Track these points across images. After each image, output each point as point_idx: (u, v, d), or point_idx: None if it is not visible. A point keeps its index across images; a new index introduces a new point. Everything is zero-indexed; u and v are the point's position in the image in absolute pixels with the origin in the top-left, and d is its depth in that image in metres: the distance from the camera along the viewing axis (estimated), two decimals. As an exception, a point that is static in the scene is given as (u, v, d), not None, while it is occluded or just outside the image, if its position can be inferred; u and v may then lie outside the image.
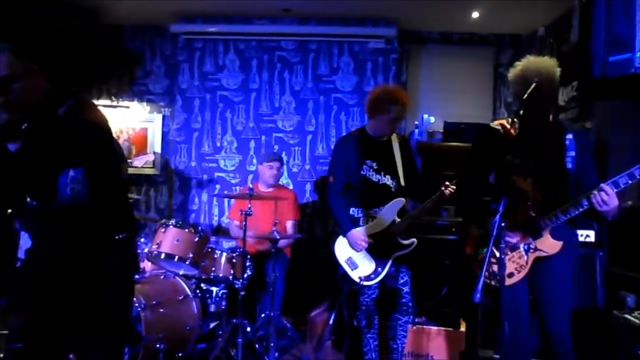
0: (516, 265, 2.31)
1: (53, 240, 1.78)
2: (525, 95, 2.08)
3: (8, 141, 1.63)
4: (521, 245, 2.30)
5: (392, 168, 3.11)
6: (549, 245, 2.26)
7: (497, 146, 2.30)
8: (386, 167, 3.09)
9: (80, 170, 1.69)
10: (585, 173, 2.25)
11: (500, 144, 2.30)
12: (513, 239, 2.28)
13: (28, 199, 1.77)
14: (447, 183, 2.93)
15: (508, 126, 2.30)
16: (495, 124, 2.43)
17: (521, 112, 2.12)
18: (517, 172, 2.29)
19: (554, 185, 2.26)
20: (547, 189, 2.27)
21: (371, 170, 3.07)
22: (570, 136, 2.26)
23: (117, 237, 1.87)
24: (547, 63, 2.27)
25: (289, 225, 4.02)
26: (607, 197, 2.05)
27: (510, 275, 2.31)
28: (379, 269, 3.01)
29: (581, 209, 2.14)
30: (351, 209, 3.10)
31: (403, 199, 3.07)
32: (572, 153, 2.24)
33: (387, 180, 3.08)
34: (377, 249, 3.02)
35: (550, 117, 2.33)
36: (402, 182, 3.11)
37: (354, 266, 3.05)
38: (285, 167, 4.78)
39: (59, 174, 1.66)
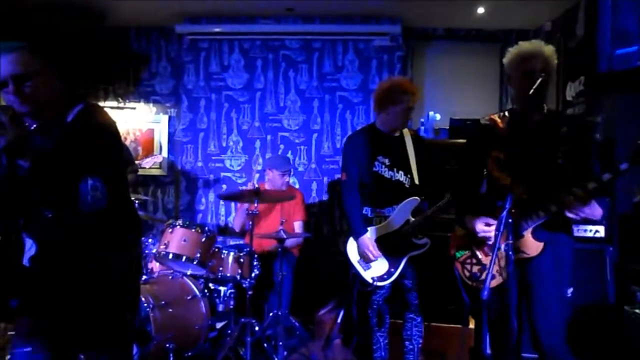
0: (497, 267, 2.17)
1: (62, 245, 1.78)
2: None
3: (18, 157, 1.63)
4: (502, 246, 2.09)
5: (405, 164, 3.02)
6: (529, 246, 2.15)
7: (485, 141, 2.23)
8: (399, 163, 3.01)
9: (98, 177, 1.71)
10: (581, 168, 2.09)
11: (489, 138, 2.22)
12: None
13: (43, 211, 1.77)
14: None
15: (498, 121, 2.23)
16: (485, 119, 2.34)
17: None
18: (501, 168, 2.17)
19: (541, 182, 2.14)
20: (532, 185, 2.14)
21: (384, 166, 2.99)
22: (564, 129, 2.14)
23: (123, 239, 1.87)
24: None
25: (297, 225, 4.00)
26: (576, 204, 1.96)
27: (492, 277, 2.10)
28: (392, 269, 2.95)
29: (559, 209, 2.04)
30: (364, 209, 3.03)
31: (417, 197, 2.98)
32: (566, 147, 2.12)
33: (400, 176, 3.01)
34: (391, 249, 2.96)
35: (542, 109, 2.22)
36: (417, 179, 3.03)
37: (366, 267, 2.99)
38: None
39: (78, 183, 1.66)
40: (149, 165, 4.66)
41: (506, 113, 2.12)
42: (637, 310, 2.73)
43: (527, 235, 2.15)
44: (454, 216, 2.52)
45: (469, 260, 2.32)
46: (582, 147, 2.16)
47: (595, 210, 2.00)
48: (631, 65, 2.70)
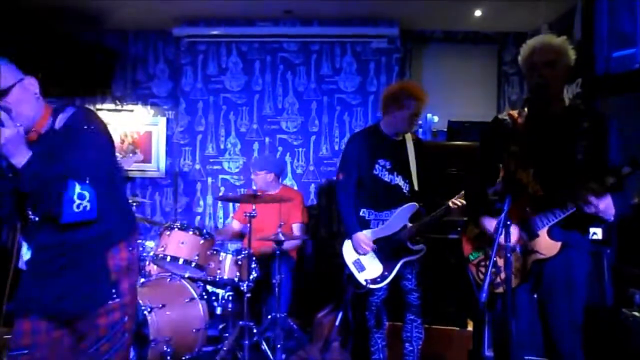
0: (513, 268, 2.06)
1: (56, 250, 1.78)
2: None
3: (12, 157, 1.61)
4: (517, 247, 2.10)
5: (405, 169, 3.02)
6: (545, 246, 2.06)
7: (503, 136, 2.16)
8: (399, 167, 3.01)
9: (86, 185, 1.67)
10: (599, 163, 2.00)
11: (507, 134, 2.15)
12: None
13: (30, 215, 1.76)
14: (456, 199, 2.88)
15: (516, 115, 2.16)
16: (504, 114, 2.29)
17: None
18: (517, 163, 2.09)
19: (558, 178, 2.06)
20: (549, 181, 2.08)
21: (384, 169, 3.00)
22: (586, 123, 2.06)
23: (118, 242, 1.86)
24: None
25: (296, 228, 3.99)
26: (592, 198, 1.89)
27: (498, 286, 2.13)
28: (386, 272, 2.97)
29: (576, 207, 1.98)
30: (361, 210, 3.04)
31: (416, 204, 2.99)
32: (585, 142, 2.05)
33: (400, 180, 3.01)
34: (386, 252, 2.98)
35: (562, 102, 2.17)
36: (416, 185, 3.02)
37: (361, 268, 3.01)
38: (289, 168, 4.79)
39: (65, 189, 1.63)
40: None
41: (525, 108, 2.05)
42: (635, 313, 2.73)
43: (543, 234, 2.07)
44: (466, 217, 2.49)
45: (483, 263, 2.26)
46: (602, 142, 2.05)
47: (609, 207, 1.93)
48: (628, 68, 2.71)
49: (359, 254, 3.01)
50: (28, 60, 1.83)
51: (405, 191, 3.02)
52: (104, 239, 1.83)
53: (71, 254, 1.78)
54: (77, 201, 1.65)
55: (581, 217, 2.02)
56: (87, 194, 1.67)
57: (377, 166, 3.00)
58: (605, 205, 1.92)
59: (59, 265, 1.78)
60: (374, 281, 2.97)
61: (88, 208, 1.68)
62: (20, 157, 1.61)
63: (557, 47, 2.11)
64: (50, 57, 4.28)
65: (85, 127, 1.75)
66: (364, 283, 2.98)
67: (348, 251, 3.06)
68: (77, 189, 1.65)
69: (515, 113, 2.19)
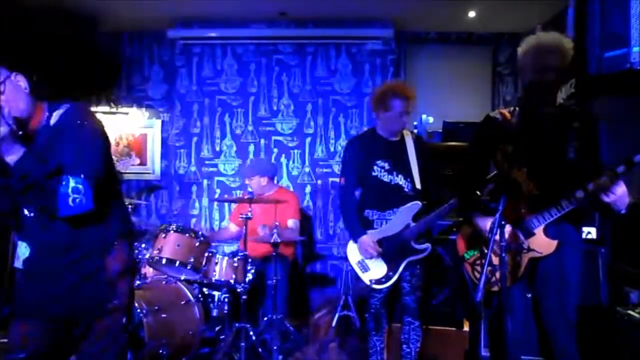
0: (509, 267, 2.10)
1: (53, 248, 1.77)
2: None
3: (5, 154, 1.61)
4: (512, 245, 2.11)
5: (405, 168, 3.01)
6: (542, 244, 2.09)
7: (495, 135, 2.18)
8: (399, 166, 3.01)
9: (81, 179, 1.67)
10: (589, 163, 2.04)
11: (498, 132, 2.17)
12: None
13: (26, 212, 1.76)
14: None
15: (508, 115, 2.17)
16: (495, 113, 2.30)
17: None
18: (510, 162, 2.11)
19: (552, 177, 2.09)
20: (543, 180, 2.11)
21: (383, 170, 3.00)
22: (576, 124, 2.09)
23: (115, 243, 1.86)
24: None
25: (291, 222, 3.93)
26: (610, 184, 1.90)
27: (493, 285, 2.13)
28: (390, 273, 2.95)
29: (575, 203, 2.01)
30: (365, 211, 3.04)
31: (419, 202, 2.97)
32: (577, 142, 2.07)
33: (400, 180, 2.99)
34: (390, 252, 2.97)
35: (554, 103, 2.17)
36: (418, 184, 3.01)
37: (365, 269, 3.00)
38: (284, 170, 4.80)
39: (59, 184, 1.63)
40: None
41: (516, 108, 2.05)
42: (630, 311, 2.75)
43: (539, 233, 2.10)
44: (459, 217, 2.47)
45: (478, 262, 2.26)
46: (593, 143, 2.08)
47: (624, 195, 1.94)
48: (620, 68, 2.72)
49: (366, 258, 3.00)
50: (23, 62, 1.81)
51: (407, 190, 3.00)
52: (101, 240, 1.82)
53: (69, 256, 1.77)
54: (72, 195, 1.65)
55: (576, 214, 2.04)
56: (81, 187, 1.67)
57: (375, 167, 3.00)
58: (622, 192, 1.94)
59: (56, 267, 1.77)
60: (378, 281, 2.96)
61: (84, 202, 1.68)
62: (13, 155, 1.60)
63: (567, 49, 2.10)
64: (46, 59, 4.27)
65: (79, 122, 1.74)
66: (368, 283, 2.97)
67: (352, 252, 3.06)
68: (72, 183, 1.65)
69: (506, 112, 2.20)
